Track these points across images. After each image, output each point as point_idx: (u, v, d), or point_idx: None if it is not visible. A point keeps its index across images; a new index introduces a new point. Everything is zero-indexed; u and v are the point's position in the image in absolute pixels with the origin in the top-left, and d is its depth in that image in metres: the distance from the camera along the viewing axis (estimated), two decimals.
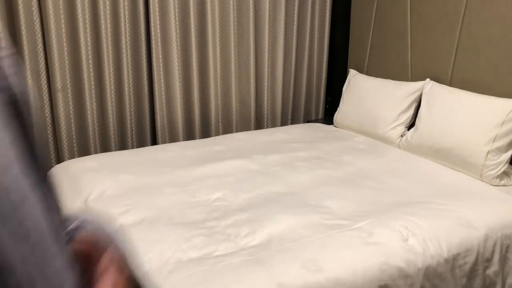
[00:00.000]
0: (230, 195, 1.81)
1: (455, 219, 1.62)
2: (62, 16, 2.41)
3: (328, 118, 3.26)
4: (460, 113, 2.12)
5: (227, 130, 3.04)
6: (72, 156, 2.58)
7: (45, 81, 2.48)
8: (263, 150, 2.36)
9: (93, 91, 2.58)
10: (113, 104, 2.67)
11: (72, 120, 2.56)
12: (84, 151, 2.63)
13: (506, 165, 1.98)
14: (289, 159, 2.23)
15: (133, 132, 2.80)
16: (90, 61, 2.54)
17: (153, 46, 2.64)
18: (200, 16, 2.79)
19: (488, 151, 1.97)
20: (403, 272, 1.40)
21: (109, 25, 2.55)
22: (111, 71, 2.62)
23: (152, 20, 2.61)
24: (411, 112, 2.50)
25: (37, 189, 0.36)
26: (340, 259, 1.37)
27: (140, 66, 2.72)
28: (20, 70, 0.37)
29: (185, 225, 1.56)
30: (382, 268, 1.37)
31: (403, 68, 2.74)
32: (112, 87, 2.65)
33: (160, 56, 2.69)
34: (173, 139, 2.86)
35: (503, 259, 1.62)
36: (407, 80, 2.68)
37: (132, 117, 2.77)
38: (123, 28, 2.59)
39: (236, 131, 3.03)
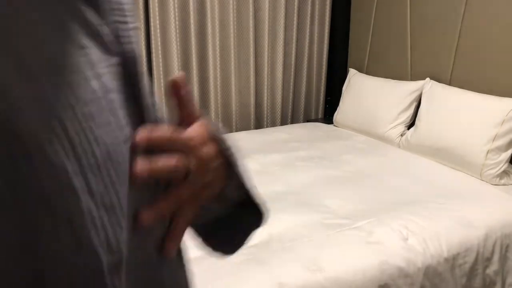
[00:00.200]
0: None
1: (455, 218, 1.62)
2: None
3: (328, 117, 3.26)
4: (460, 113, 2.12)
5: (227, 129, 3.04)
6: None
7: None
8: (263, 150, 2.36)
9: None
10: None
11: None
12: None
13: (506, 164, 1.98)
14: (289, 159, 2.23)
15: None
16: None
17: (153, 45, 2.64)
18: (200, 16, 2.79)
19: (488, 150, 1.97)
20: (403, 272, 1.40)
21: None
22: None
23: (152, 19, 2.61)
24: (411, 111, 2.50)
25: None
26: (340, 258, 1.37)
27: None
28: (138, 41, 0.40)
29: None
30: (382, 268, 1.37)
31: (403, 67, 2.74)
32: None
33: (160, 56, 2.69)
34: None
35: (503, 259, 1.62)
36: (407, 79, 2.68)
37: None
38: None
39: (236, 131, 3.02)
